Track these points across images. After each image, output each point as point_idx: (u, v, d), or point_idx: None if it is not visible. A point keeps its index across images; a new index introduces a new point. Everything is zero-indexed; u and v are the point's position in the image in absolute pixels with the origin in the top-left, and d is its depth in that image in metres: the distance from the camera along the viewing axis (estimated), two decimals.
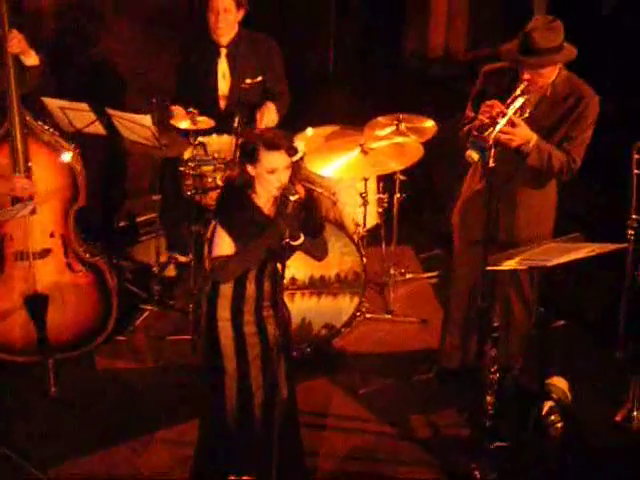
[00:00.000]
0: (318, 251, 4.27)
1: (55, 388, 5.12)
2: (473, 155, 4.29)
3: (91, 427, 4.96)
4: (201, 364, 4.50)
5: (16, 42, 4.82)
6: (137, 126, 5.30)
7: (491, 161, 4.31)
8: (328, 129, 5.91)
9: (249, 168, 4.03)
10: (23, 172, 4.95)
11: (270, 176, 3.99)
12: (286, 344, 4.27)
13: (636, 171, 4.82)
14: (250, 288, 4.15)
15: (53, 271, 5.23)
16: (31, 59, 4.92)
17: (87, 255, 5.31)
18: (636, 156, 4.80)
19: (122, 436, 4.89)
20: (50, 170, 5.12)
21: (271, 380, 4.12)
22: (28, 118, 5.02)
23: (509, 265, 4.45)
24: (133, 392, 5.23)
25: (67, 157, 5.02)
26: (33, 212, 5.02)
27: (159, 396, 5.18)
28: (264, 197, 4.08)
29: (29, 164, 4.97)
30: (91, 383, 5.28)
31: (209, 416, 4.37)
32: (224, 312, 4.17)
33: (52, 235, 5.20)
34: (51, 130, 5.18)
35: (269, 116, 5.65)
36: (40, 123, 5.13)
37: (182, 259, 6.04)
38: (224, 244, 4.07)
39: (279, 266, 4.00)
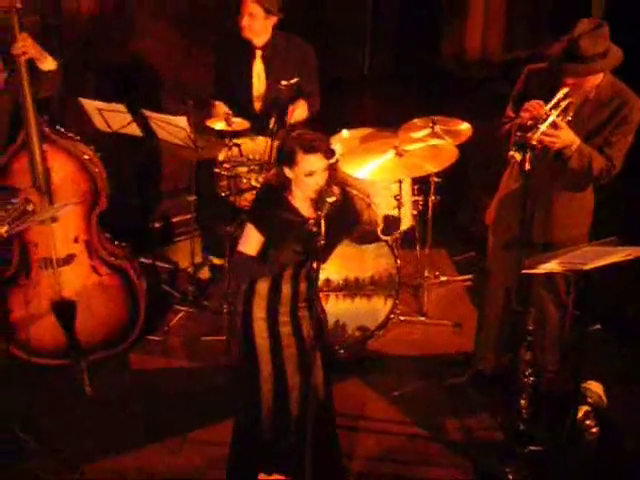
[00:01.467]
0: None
1: (90, 388, 5.16)
2: (516, 155, 4.27)
3: (126, 426, 4.99)
4: (235, 365, 4.51)
5: (22, 45, 4.78)
6: (173, 127, 5.33)
7: (527, 164, 4.30)
8: (363, 131, 5.91)
9: (286, 170, 4.04)
10: (42, 180, 4.96)
11: (308, 178, 4.00)
12: (323, 345, 4.28)
13: None
14: (286, 288, 4.16)
15: (79, 276, 5.26)
16: (47, 64, 4.92)
17: (112, 258, 5.34)
18: None
19: (156, 436, 4.92)
20: (69, 175, 5.13)
21: (307, 381, 4.13)
22: (45, 125, 5.01)
23: (545, 269, 4.42)
24: (167, 392, 5.25)
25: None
26: (54, 219, 5.04)
27: (193, 396, 5.20)
28: (301, 199, 4.10)
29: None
30: (126, 383, 5.31)
31: (244, 416, 4.38)
32: (260, 312, 4.19)
33: (76, 240, 5.23)
34: (69, 134, 5.19)
35: (300, 111, 5.68)
36: (58, 127, 5.14)
37: (217, 261, 6.07)
38: (251, 241, 4.10)
39: (315, 266, 4.01)
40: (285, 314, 4.20)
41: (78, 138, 5.23)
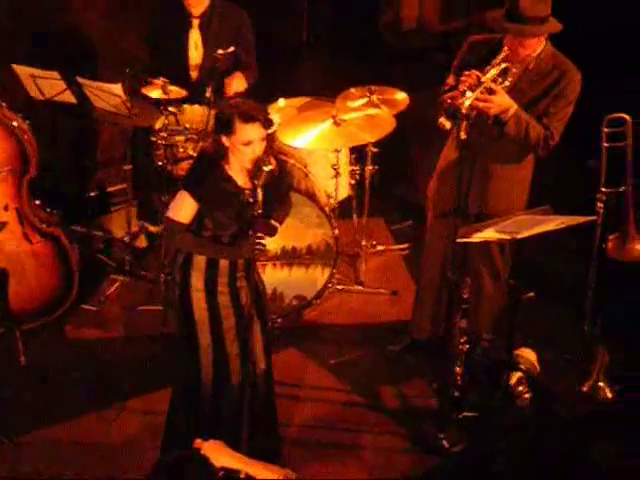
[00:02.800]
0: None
1: (24, 357, 5.12)
2: (445, 123, 4.29)
3: (61, 395, 4.96)
4: (173, 334, 4.50)
5: None
6: (108, 95, 5.27)
7: (462, 133, 4.32)
8: (300, 100, 5.91)
9: (224, 139, 4.02)
10: None
11: (245, 148, 3.98)
12: (262, 316, 4.29)
13: (605, 145, 4.85)
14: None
15: (10, 244, 5.20)
16: None
17: (44, 225, 5.28)
18: (606, 130, 4.82)
19: (92, 405, 4.90)
20: None
21: (246, 350, 4.13)
22: None
23: (479, 237, 4.47)
24: (103, 362, 5.23)
25: None
26: None
27: (129, 366, 5.19)
28: (237, 168, 4.08)
29: None
30: (61, 352, 5.28)
31: (183, 386, 4.38)
32: (198, 283, 4.18)
33: (6, 208, 5.15)
34: None
35: (237, 83, 5.66)
36: None
37: (153, 229, 6.03)
38: (185, 209, 4.08)
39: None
40: (223, 284, 4.19)
41: (4, 105, 5.14)
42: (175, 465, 3.05)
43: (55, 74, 5.29)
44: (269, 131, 4.07)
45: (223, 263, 4.16)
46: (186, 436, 4.35)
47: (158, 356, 5.20)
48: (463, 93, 4.33)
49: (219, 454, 3.40)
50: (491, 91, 4.42)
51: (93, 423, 4.82)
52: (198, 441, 3.43)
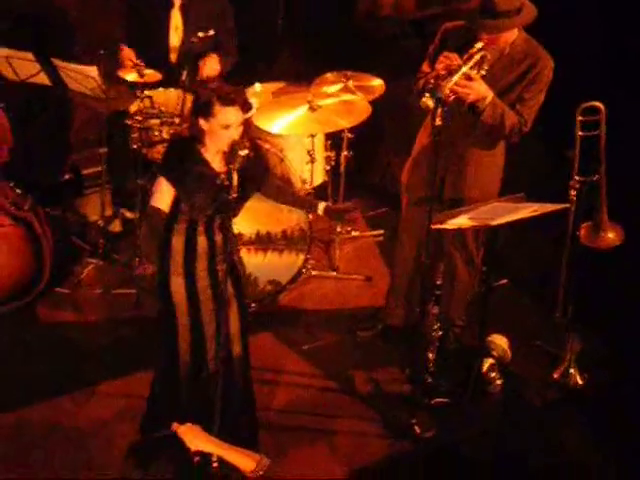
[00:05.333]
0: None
1: None
2: (428, 102, 4.28)
3: (32, 378, 4.94)
4: (146, 317, 4.49)
5: None
6: (83, 77, 5.24)
7: (438, 120, 4.33)
8: (276, 85, 5.91)
9: (201, 122, 4.01)
10: None
11: (223, 131, 3.98)
12: (240, 299, 4.30)
13: (580, 133, 4.87)
14: (202, 242, 4.15)
15: None
16: None
17: (15, 208, 5.25)
18: (580, 118, 4.85)
19: (63, 388, 4.89)
20: None
21: (224, 333, 4.14)
22: None
23: (453, 224, 4.49)
24: (75, 345, 5.21)
25: None
26: None
27: (102, 349, 5.18)
28: (213, 152, 4.08)
29: None
30: (33, 335, 5.26)
31: (162, 369, 4.38)
32: (176, 267, 4.17)
33: None
34: None
35: (211, 66, 5.62)
36: None
37: (128, 214, 6.01)
38: (163, 194, 4.08)
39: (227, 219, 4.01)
40: (202, 269, 4.19)
41: None
42: (151, 447, 3.06)
43: (29, 55, 5.26)
44: (247, 115, 4.07)
45: (201, 245, 4.16)
46: (166, 418, 4.37)
47: (131, 339, 5.19)
48: (444, 76, 4.35)
49: (195, 438, 3.41)
50: (470, 78, 4.44)
51: (65, 406, 4.80)
52: (175, 425, 3.44)
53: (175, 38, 5.74)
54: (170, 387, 4.34)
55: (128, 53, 5.53)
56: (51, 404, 4.81)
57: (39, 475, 4.45)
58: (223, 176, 4.00)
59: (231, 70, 5.76)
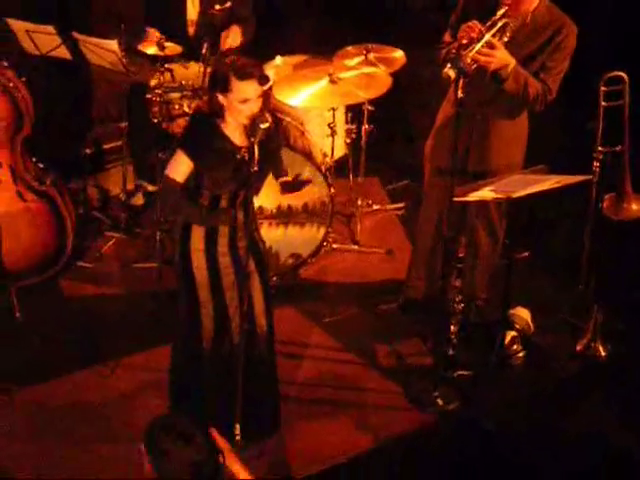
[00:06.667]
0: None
1: (20, 314, 5.12)
2: (450, 72, 4.25)
3: (57, 352, 4.98)
4: (169, 291, 4.49)
5: None
6: (104, 51, 5.23)
7: (460, 91, 4.31)
8: (297, 58, 5.87)
9: (220, 97, 3.99)
10: None
11: (241, 105, 3.95)
12: (263, 275, 4.30)
13: (603, 103, 4.83)
14: None
15: (3, 202, 5.19)
16: None
17: (37, 183, 5.27)
18: (603, 88, 4.81)
19: (87, 361, 4.92)
20: None
21: (246, 307, 4.14)
22: None
23: (476, 196, 4.47)
24: (99, 318, 5.24)
25: None
26: None
27: (125, 323, 5.20)
28: (233, 126, 4.05)
29: None
30: (57, 309, 5.29)
31: (185, 343, 4.38)
32: (198, 243, 4.16)
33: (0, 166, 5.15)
34: None
35: (233, 37, 5.61)
36: None
37: (149, 187, 6.01)
38: (180, 167, 4.05)
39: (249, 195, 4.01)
40: (224, 245, 4.18)
41: (5, 63, 5.11)
42: (165, 433, 3.02)
43: (50, 29, 5.25)
44: (265, 88, 4.05)
45: None
46: (189, 392, 4.38)
47: (153, 313, 5.21)
48: (466, 46, 4.32)
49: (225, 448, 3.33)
50: (492, 46, 4.40)
51: (88, 379, 4.83)
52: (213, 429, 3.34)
53: (193, 11, 5.73)
54: (193, 360, 4.34)
55: (153, 33, 5.51)
56: (74, 377, 4.84)
57: (61, 448, 4.47)
58: (244, 150, 3.99)
59: (252, 42, 5.74)
